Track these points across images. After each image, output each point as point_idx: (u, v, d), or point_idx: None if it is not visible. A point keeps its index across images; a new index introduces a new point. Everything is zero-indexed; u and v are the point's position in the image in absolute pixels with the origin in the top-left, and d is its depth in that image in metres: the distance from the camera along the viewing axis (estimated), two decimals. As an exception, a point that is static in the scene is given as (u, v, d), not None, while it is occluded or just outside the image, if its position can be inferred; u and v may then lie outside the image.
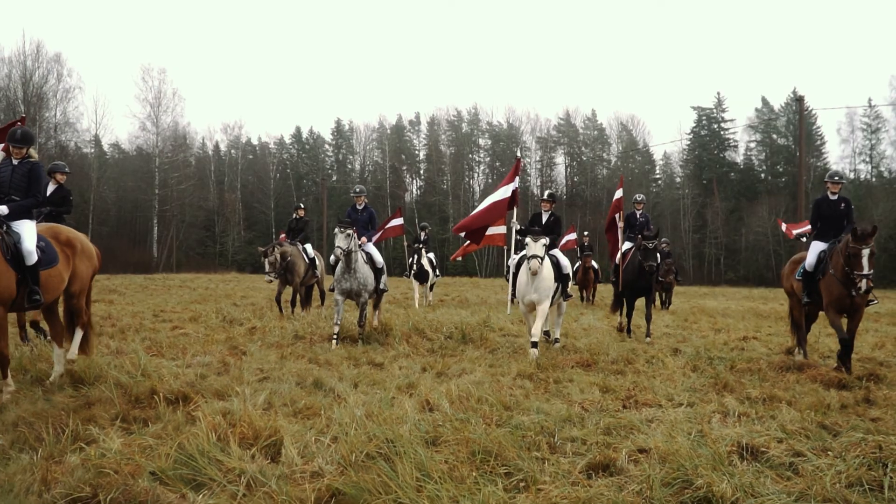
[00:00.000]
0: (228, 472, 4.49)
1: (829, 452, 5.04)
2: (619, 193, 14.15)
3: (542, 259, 9.83)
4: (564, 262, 10.88)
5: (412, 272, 20.46)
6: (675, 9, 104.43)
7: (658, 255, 12.95)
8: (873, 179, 66.49)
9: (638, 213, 13.83)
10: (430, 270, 20.83)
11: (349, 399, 6.47)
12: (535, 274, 9.74)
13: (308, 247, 16.48)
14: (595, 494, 4.04)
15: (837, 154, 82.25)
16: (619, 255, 13.36)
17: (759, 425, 5.84)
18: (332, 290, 11.43)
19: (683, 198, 71.08)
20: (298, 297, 16.05)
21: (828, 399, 7.05)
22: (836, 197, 9.81)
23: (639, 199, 14.09)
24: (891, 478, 4.39)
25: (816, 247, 9.65)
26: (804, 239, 9.77)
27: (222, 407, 5.98)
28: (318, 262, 16.65)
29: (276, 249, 15.28)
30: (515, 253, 11.60)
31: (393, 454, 4.53)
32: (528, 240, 9.87)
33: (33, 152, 7.42)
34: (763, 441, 5.26)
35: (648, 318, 12.87)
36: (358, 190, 12.45)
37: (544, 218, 11.18)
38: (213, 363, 8.51)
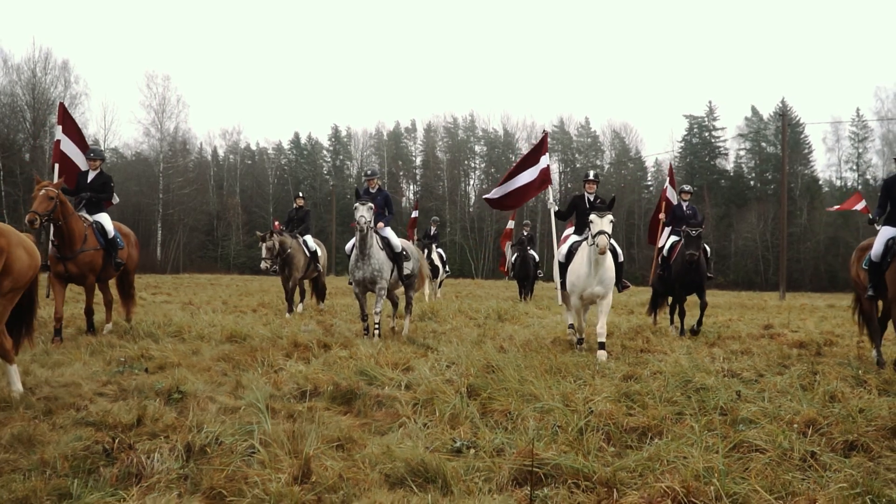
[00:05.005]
0: (390, 379, 6.90)
1: (782, 375, 7.53)
2: (667, 184, 13.65)
3: (610, 236, 8.98)
4: (618, 248, 10.01)
5: None
6: (668, 18, 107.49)
7: (703, 244, 12.09)
8: (860, 187, 69.36)
9: (684, 204, 13.09)
10: (440, 266, 21.12)
11: (441, 347, 8.90)
12: (603, 253, 8.84)
13: (308, 238, 15.83)
14: (630, 387, 6.47)
15: (824, 162, 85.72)
16: (663, 248, 12.74)
17: (737, 363, 8.33)
18: (351, 283, 11.01)
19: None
20: (298, 290, 15.73)
21: (789, 353, 9.55)
22: None
23: (686, 188, 13.36)
24: (818, 381, 6.87)
25: (885, 233, 8.61)
26: (877, 226, 8.77)
27: (357, 349, 8.40)
28: (320, 255, 16.05)
29: (274, 235, 14.71)
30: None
31: (498, 369, 6.96)
32: (592, 216, 9.02)
33: None
34: (738, 368, 7.78)
35: (702, 310, 12.19)
36: (369, 172, 11.52)
37: (589, 201, 10.33)
38: (317, 329, 10.90)
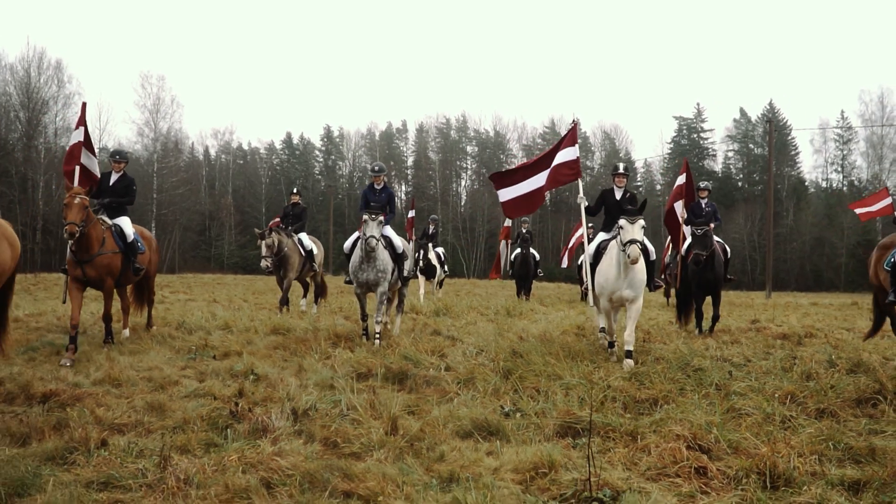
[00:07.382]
0: (431, 363, 8.01)
1: (767, 359, 8.71)
2: (681, 179, 12.27)
3: (642, 244, 8.38)
4: (650, 247, 9.13)
5: (418, 268, 19.97)
6: (658, 20, 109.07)
7: (712, 243, 11.58)
8: (845, 189, 70.95)
9: (703, 202, 12.45)
10: (437, 266, 21.07)
11: (466, 338, 10.02)
12: (634, 262, 8.24)
13: (304, 236, 15.33)
14: (638, 369, 7.62)
15: (811, 164, 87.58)
16: (682, 249, 12.05)
17: (728, 350, 9.51)
18: (347, 282, 10.66)
19: (664, 205, 74.96)
20: (291, 292, 15.17)
21: (773, 343, 10.74)
22: None
23: (703, 185, 12.68)
24: (797, 364, 8.05)
25: None
26: None
27: (395, 339, 9.50)
28: (315, 253, 15.49)
29: (273, 233, 14.31)
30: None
31: (525, 353, 8.09)
32: (622, 221, 8.40)
33: None
34: (729, 355, 8.97)
35: (715, 318, 11.90)
36: (377, 168, 11.25)
37: (618, 195, 9.73)
38: (347, 323, 11.99)
